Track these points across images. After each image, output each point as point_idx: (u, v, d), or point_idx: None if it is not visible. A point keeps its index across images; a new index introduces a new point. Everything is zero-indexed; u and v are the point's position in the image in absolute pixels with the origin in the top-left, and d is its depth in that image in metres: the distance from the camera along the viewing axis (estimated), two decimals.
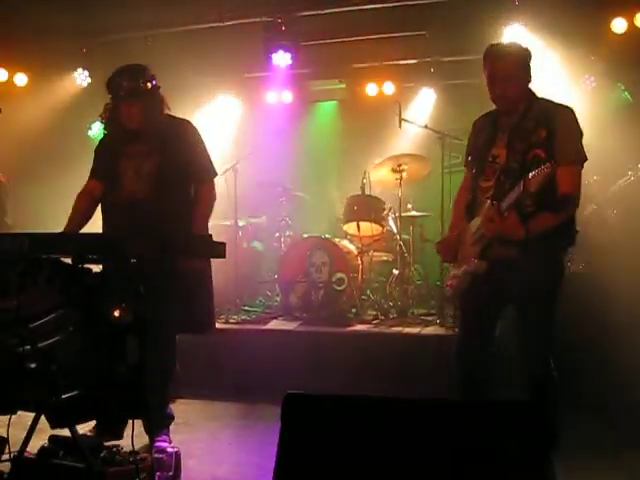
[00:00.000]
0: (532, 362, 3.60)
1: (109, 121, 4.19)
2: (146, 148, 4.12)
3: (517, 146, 3.53)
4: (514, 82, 3.57)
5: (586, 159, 3.51)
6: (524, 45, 3.71)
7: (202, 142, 4.31)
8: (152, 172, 4.09)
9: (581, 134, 3.52)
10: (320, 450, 1.82)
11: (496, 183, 3.58)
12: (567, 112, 3.55)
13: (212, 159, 4.33)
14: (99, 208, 4.28)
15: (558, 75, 6.84)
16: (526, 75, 3.63)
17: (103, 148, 4.30)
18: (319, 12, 7.02)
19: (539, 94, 3.68)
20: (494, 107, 3.75)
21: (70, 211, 4.16)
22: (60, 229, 3.98)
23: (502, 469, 1.68)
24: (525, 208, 3.41)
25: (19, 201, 7.24)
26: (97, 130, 8.41)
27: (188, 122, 4.30)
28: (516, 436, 1.71)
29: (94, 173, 4.28)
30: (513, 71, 3.57)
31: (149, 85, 4.11)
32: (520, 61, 3.60)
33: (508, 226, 3.41)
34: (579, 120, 3.55)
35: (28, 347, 2.94)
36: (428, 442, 1.82)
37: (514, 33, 6.78)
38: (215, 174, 4.35)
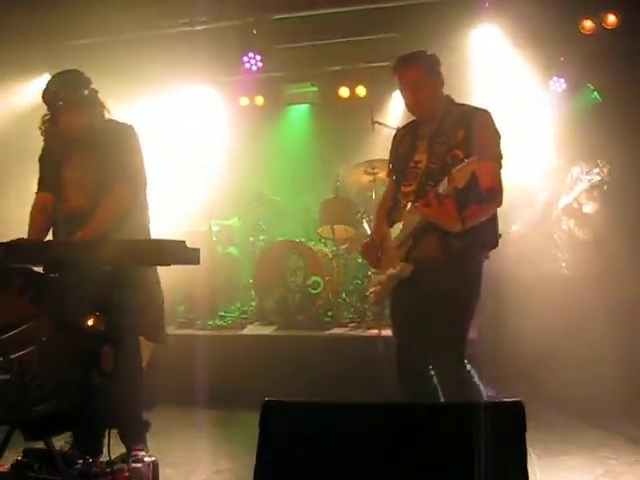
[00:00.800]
0: (441, 366, 3.56)
1: (48, 131, 4.06)
2: (85, 157, 4.02)
3: (437, 149, 3.56)
4: (423, 89, 3.62)
5: (502, 158, 3.52)
6: (430, 53, 3.74)
7: (138, 149, 4.13)
8: (91, 182, 4.02)
9: (499, 135, 3.55)
10: (299, 457, 1.81)
11: (418, 186, 3.58)
12: (484, 114, 3.59)
13: (143, 169, 4.13)
14: None
15: (527, 77, 6.88)
16: (435, 81, 3.65)
17: (46, 158, 4.18)
18: (290, 15, 7.00)
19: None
20: None
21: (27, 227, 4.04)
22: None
23: (482, 470, 1.68)
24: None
25: None
26: None
27: (130, 127, 4.16)
28: (495, 437, 1.71)
29: (42, 185, 4.15)
30: (420, 79, 3.60)
31: (86, 92, 3.99)
32: (425, 68, 3.62)
33: (445, 212, 3.35)
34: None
35: (0, 358, 2.90)
36: (410, 447, 1.81)
37: (484, 34, 6.83)
38: (136, 180, 4.08)
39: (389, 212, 3.79)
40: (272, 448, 1.77)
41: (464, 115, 3.59)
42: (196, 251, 3.49)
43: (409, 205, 3.57)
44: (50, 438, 2.98)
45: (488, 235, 3.56)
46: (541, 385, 5.13)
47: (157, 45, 7.20)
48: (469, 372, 3.48)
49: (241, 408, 5.10)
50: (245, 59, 7.36)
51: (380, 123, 6.93)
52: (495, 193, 3.45)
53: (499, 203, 3.48)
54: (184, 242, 3.38)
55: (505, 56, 6.84)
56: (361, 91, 8.16)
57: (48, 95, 3.97)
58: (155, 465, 3.69)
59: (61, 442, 3.89)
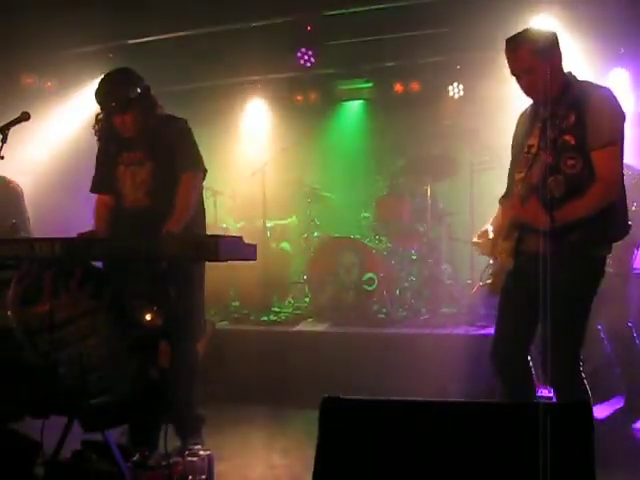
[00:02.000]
0: (553, 367, 3.36)
1: (103, 131, 4.12)
2: (140, 155, 4.07)
3: (549, 134, 3.32)
4: (537, 73, 3.33)
5: (620, 141, 3.27)
6: (542, 30, 3.53)
7: (192, 140, 4.17)
8: (146, 180, 4.05)
9: (618, 114, 3.28)
10: (359, 454, 1.80)
11: (527, 174, 3.41)
12: (600, 94, 3.32)
13: (200, 155, 4.17)
14: None
15: (586, 68, 6.72)
16: (549, 61, 3.36)
17: (101, 158, 4.24)
18: (344, 11, 6.96)
19: None
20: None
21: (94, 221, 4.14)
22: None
23: (547, 471, 1.65)
24: (551, 194, 3.21)
25: (48, 210, 7.23)
26: None
27: (184, 122, 4.18)
28: (557, 438, 1.67)
29: (99, 186, 4.22)
30: (531, 63, 3.33)
31: (138, 90, 4.01)
32: (536, 50, 3.34)
33: (529, 213, 3.26)
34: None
35: (61, 352, 2.95)
36: (467, 445, 1.78)
37: (540, 25, 6.68)
38: (199, 167, 4.14)
39: (503, 197, 3.66)
40: (332, 444, 1.75)
41: (579, 96, 3.31)
42: (252, 247, 3.50)
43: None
44: (107, 430, 3.02)
45: (605, 227, 3.29)
46: None
47: (214, 43, 7.25)
48: (581, 376, 3.32)
49: (294, 404, 5.10)
50: (299, 55, 7.35)
51: (437, 120, 6.90)
52: (605, 185, 3.21)
53: (610, 196, 3.23)
54: (241, 238, 3.39)
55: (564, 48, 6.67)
56: (415, 86, 8.09)
57: (100, 95, 4.02)
58: (210, 459, 3.71)
59: (117, 435, 3.96)
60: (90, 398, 2.90)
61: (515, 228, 3.43)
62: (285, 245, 7.78)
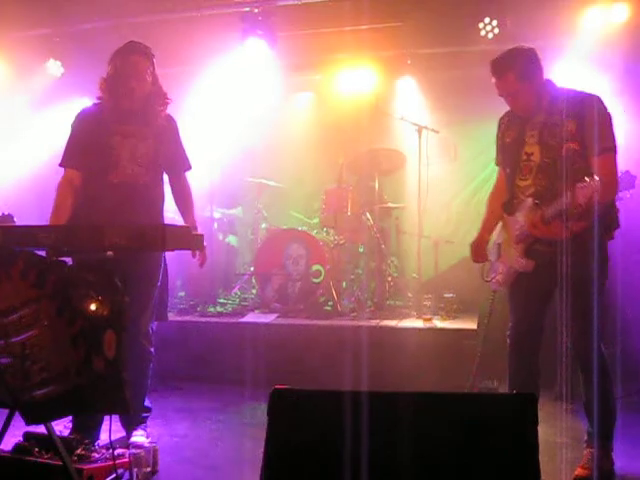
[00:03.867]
0: (578, 349, 3.62)
1: (105, 93, 3.99)
2: (138, 130, 3.99)
3: (549, 142, 3.56)
4: (522, 94, 3.61)
5: (617, 145, 3.50)
6: (524, 50, 3.67)
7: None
8: (148, 155, 4.00)
9: (610, 119, 3.51)
10: (307, 444, 1.80)
11: (534, 181, 3.62)
12: (594, 100, 3.53)
13: None
14: None
15: None
16: (534, 80, 3.62)
17: (88, 125, 4.01)
18: (296, 2, 6.94)
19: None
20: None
21: (53, 204, 3.91)
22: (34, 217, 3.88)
23: (493, 460, 1.67)
24: (571, 213, 3.41)
25: None
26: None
27: (169, 114, 4.23)
28: (503, 428, 1.70)
29: (70, 160, 3.99)
30: (517, 87, 3.59)
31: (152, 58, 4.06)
32: (522, 72, 3.58)
33: (552, 232, 3.49)
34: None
35: (2, 342, 2.88)
36: (414, 434, 1.80)
37: (487, 26, 6.76)
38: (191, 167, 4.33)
39: (506, 204, 3.81)
40: (281, 435, 1.76)
41: (573, 103, 3.53)
42: (199, 237, 3.48)
43: (528, 200, 3.61)
44: (50, 422, 2.97)
45: (608, 216, 3.57)
46: None
47: (162, 30, 7.14)
48: (603, 352, 3.54)
49: (241, 395, 5.08)
50: (250, 45, 7.31)
51: (383, 112, 6.93)
52: (612, 187, 3.47)
53: (613, 195, 3.54)
54: (188, 227, 3.37)
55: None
56: (365, 80, 8.13)
57: (122, 49, 3.99)
58: (155, 451, 3.69)
59: (60, 427, 3.89)
60: (32, 389, 2.84)
61: (532, 235, 3.62)
62: (231, 238, 7.74)
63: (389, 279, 6.90)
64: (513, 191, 3.76)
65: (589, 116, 3.45)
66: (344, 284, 6.87)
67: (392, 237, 7.25)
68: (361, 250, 6.99)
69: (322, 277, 6.54)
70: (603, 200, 3.38)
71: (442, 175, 7.32)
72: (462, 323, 5.94)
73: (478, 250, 4.02)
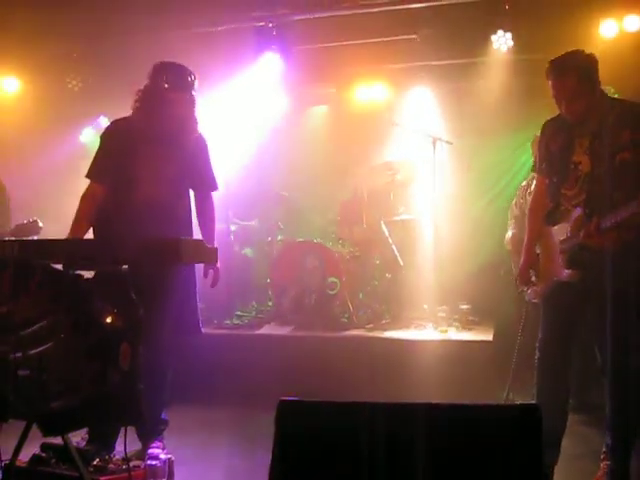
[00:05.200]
0: (613, 362, 3.55)
1: (139, 111, 4.03)
2: (168, 152, 4.05)
3: (601, 152, 3.48)
4: (580, 99, 3.52)
5: None
6: (586, 53, 3.63)
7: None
8: (171, 177, 4.05)
9: None
10: (314, 457, 1.81)
11: (585, 191, 3.54)
12: None
13: None
14: None
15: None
16: (592, 86, 3.55)
17: (117, 141, 4.07)
18: (310, 16, 7.00)
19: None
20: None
21: (75, 216, 3.99)
22: (53, 234, 3.94)
23: (498, 472, 1.68)
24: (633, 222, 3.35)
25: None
26: (88, 135, 8.39)
27: (201, 133, 4.28)
28: (512, 439, 1.70)
29: (97, 174, 4.05)
30: (576, 89, 3.51)
31: (192, 78, 4.09)
32: (582, 76, 3.51)
33: (607, 242, 3.40)
34: None
35: (19, 354, 2.92)
36: (425, 447, 1.81)
37: (501, 38, 6.78)
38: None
39: (549, 213, 3.76)
40: (287, 447, 1.77)
41: (628, 113, 3.49)
42: (214, 250, 3.52)
43: (575, 212, 3.56)
44: (67, 434, 3.00)
45: None
46: None
47: (177, 46, 7.22)
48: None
49: (257, 407, 5.08)
50: (265, 60, 7.37)
51: (398, 125, 6.97)
52: None
53: None
54: (202, 241, 3.40)
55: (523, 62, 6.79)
56: (380, 92, 8.17)
57: (160, 72, 4.01)
58: (171, 463, 3.71)
59: (77, 438, 3.92)
60: (49, 401, 2.88)
61: (577, 245, 3.54)
62: (247, 251, 7.77)
63: (405, 290, 6.89)
64: (557, 200, 3.69)
65: None
66: (360, 295, 6.88)
67: (407, 248, 7.24)
68: (377, 262, 7.00)
69: (338, 289, 6.55)
70: None
71: (457, 186, 7.32)
72: (478, 334, 5.93)
73: (529, 268, 3.91)
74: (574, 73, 3.52)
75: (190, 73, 4.08)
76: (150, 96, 4.00)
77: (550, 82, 3.61)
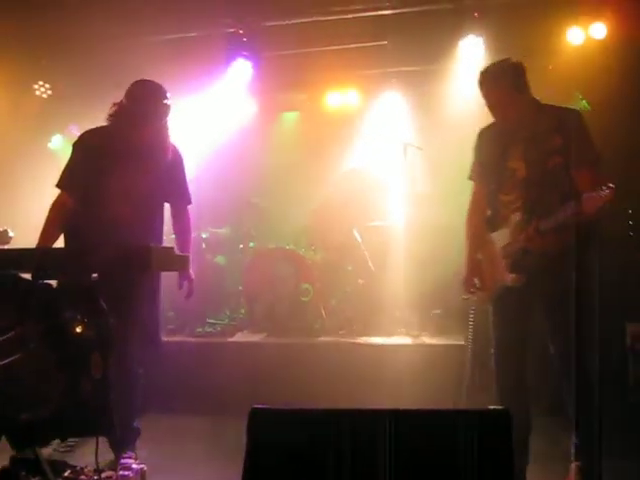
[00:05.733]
0: (565, 361, 3.60)
1: (114, 123, 4.02)
2: (139, 167, 4.03)
3: (534, 156, 3.58)
4: (512, 106, 3.63)
5: (601, 158, 3.56)
6: (513, 61, 3.72)
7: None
8: (144, 193, 4.03)
9: (590, 133, 3.57)
10: (286, 464, 1.81)
11: (522, 196, 3.64)
12: (577, 115, 3.62)
13: None
14: None
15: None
16: (524, 92, 3.66)
17: (89, 153, 4.05)
18: (281, 23, 7.01)
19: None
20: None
21: (44, 224, 3.97)
22: (21, 242, 3.89)
23: (471, 477, 1.69)
24: (572, 224, 3.45)
25: None
26: (57, 143, 8.31)
27: (176, 147, 4.26)
28: (477, 444, 1.71)
29: (69, 185, 4.03)
30: (508, 97, 3.62)
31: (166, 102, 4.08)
32: (512, 84, 3.62)
33: (548, 244, 3.50)
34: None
35: None
36: (395, 454, 1.81)
37: (471, 44, 6.85)
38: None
39: (489, 220, 3.84)
40: (259, 454, 1.77)
41: (557, 118, 3.59)
42: (185, 257, 3.50)
43: (514, 217, 3.63)
44: (38, 446, 2.96)
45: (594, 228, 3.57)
46: None
47: (147, 52, 7.19)
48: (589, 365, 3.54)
49: (230, 415, 5.05)
50: (235, 66, 7.36)
51: (368, 131, 6.99)
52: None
53: (600, 207, 3.48)
54: (173, 248, 3.39)
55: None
56: (351, 98, 8.20)
57: (136, 92, 4.01)
58: (143, 473, 3.69)
59: (49, 450, 3.88)
60: (19, 414, 2.84)
61: (520, 250, 3.62)
62: (219, 259, 7.73)
63: (377, 296, 6.90)
64: (496, 207, 3.78)
65: (572, 130, 3.52)
66: (333, 302, 6.88)
67: (380, 254, 7.25)
68: (349, 268, 7.00)
69: (310, 295, 6.54)
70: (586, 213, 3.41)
71: (428, 192, 7.36)
72: (450, 339, 5.96)
73: (474, 276, 3.95)
74: (505, 82, 3.63)
75: (166, 92, 4.07)
76: (126, 113, 3.99)
77: (483, 92, 3.73)
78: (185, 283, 4.08)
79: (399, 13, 6.83)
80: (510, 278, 3.70)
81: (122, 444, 3.98)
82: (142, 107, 3.96)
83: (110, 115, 4.03)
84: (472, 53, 6.85)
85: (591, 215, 3.29)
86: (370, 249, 7.02)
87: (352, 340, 6.11)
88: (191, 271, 4.15)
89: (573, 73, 6.77)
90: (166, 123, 4.09)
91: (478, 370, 4.84)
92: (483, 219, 3.89)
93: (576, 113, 3.64)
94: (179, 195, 4.30)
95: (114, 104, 4.04)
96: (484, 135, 3.93)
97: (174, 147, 4.22)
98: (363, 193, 7.03)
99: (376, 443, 1.78)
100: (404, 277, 6.64)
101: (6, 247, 4.86)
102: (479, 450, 1.63)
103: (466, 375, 4.85)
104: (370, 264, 6.85)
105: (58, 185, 4.04)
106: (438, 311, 6.47)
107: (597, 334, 3.54)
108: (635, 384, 5.24)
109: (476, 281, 3.94)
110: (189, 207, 4.39)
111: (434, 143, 7.24)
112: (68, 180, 4.04)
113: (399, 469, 1.75)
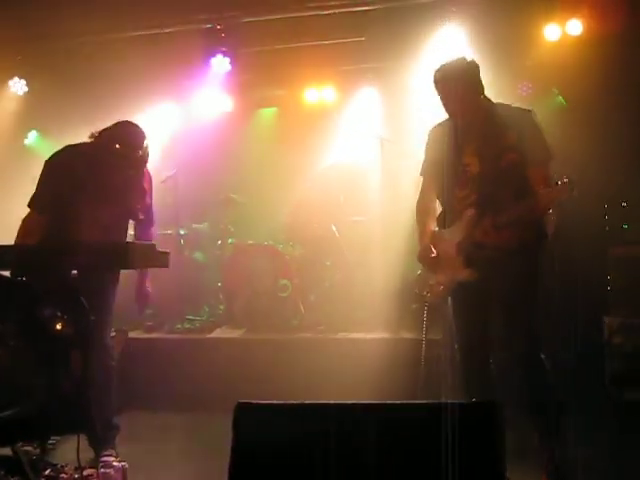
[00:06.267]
0: (520, 358, 3.64)
1: (89, 157, 3.98)
2: (113, 195, 4.03)
3: (488, 152, 3.62)
4: (467, 102, 3.67)
5: (553, 156, 3.61)
6: (469, 60, 3.77)
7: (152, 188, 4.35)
8: (107, 222, 4.01)
9: (543, 132, 3.63)
10: (272, 459, 1.82)
11: (475, 192, 3.66)
12: (531, 114, 3.67)
13: None
14: None
15: (493, 82, 6.95)
16: (478, 90, 3.72)
17: (60, 178, 4.02)
18: (259, 18, 6.99)
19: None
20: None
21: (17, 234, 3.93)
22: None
23: (452, 469, 1.70)
24: (527, 219, 3.53)
25: None
26: (33, 139, 8.24)
27: (147, 170, 4.24)
28: (465, 436, 1.73)
29: (41, 208, 3.99)
30: (464, 94, 3.66)
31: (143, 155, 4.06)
32: (467, 81, 3.67)
33: (503, 239, 3.54)
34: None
35: None
36: (379, 445, 1.83)
37: (450, 39, 6.87)
38: None
39: (442, 215, 3.86)
40: (245, 450, 1.77)
41: (511, 117, 3.64)
42: (165, 254, 3.49)
43: (468, 212, 3.65)
44: (17, 444, 2.95)
45: (538, 228, 3.68)
46: None
47: (125, 48, 7.14)
48: (543, 357, 3.61)
49: (210, 411, 5.07)
50: (213, 61, 7.33)
51: (345, 127, 7.00)
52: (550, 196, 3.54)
53: (552, 204, 3.59)
54: (154, 245, 3.38)
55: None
56: (328, 94, 8.21)
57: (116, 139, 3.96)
58: (125, 470, 3.68)
59: (28, 448, 3.85)
60: None
61: (473, 245, 3.64)
62: (198, 255, 7.71)
63: (356, 291, 6.92)
64: (450, 202, 3.80)
65: (528, 128, 3.58)
66: (312, 297, 6.89)
67: (358, 249, 7.27)
68: (328, 263, 7.01)
69: (289, 291, 6.55)
70: (542, 209, 3.50)
71: (405, 186, 7.39)
72: (428, 333, 5.97)
73: (428, 257, 3.90)
74: (460, 79, 3.67)
75: (144, 138, 4.05)
76: (101, 150, 3.97)
77: (439, 89, 3.77)
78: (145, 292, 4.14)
79: (377, 9, 6.83)
80: (464, 273, 3.71)
81: (102, 441, 3.97)
82: (113, 142, 3.93)
83: (88, 145, 4.00)
84: (449, 48, 6.88)
85: (545, 211, 3.37)
86: (349, 244, 7.04)
87: (331, 335, 6.12)
88: (148, 285, 4.25)
89: (550, 69, 6.83)
90: (143, 171, 4.08)
91: (433, 366, 4.85)
92: (431, 213, 3.92)
93: (528, 113, 3.69)
94: (147, 220, 4.36)
95: (92, 134, 4.01)
96: (437, 131, 3.96)
97: (147, 174, 4.22)
98: (341, 189, 7.03)
99: (363, 436, 1.79)
100: (383, 272, 6.66)
101: None
102: (465, 443, 1.65)
103: (421, 372, 4.88)
104: (349, 259, 6.87)
105: (29, 205, 4.02)
106: (416, 305, 6.49)
107: (575, 328, 3.61)
108: (611, 377, 5.30)
109: (433, 249, 3.87)
110: (167, 200, 4.42)
111: (410, 138, 7.27)
112: (39, 202, 4.02)
113: (386, 462, 1.77)
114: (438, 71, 3.76)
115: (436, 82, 3.76)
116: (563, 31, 6.69)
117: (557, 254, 5.54)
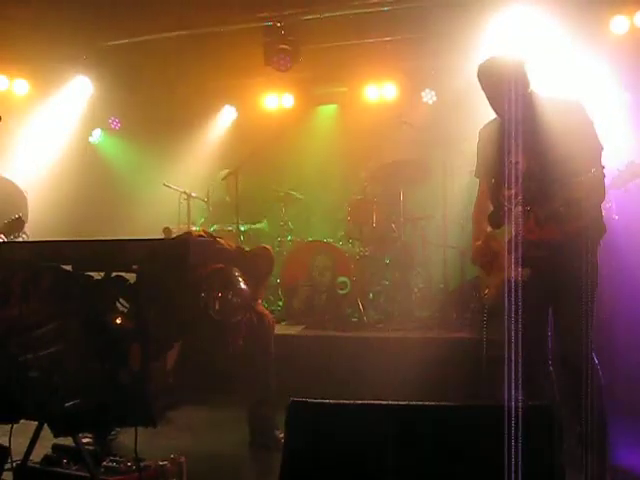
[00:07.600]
0: (574, 359, 3.55)
1: None
2: None
3: (534, 148, 3.54)
4: (511, 98, 3.55)
5: (603, 147, 3.50)
6: (515, 57, 3.69)
7: None
8: None
9: (592, 122, 3.52)
10: (325, 456, 1.81)
11: (523, 189, 3.58)
12: (577, 105, 3.56)
13: None
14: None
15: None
16: (523, 86, 3.62)
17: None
18: (318, 16, 6.99)
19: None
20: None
21: None
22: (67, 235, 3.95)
23: (511, 471, 1.67)
24: (567, 211, 3.42)
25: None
26: (98, 136, 8.42)
27: None
28: (528, 438, 1.69)
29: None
30: (508, 90, 3.55)
31: None
32: (513, 77, 3.57)
33: (547, 234, 3.48)
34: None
35: (30, 355, 2.93)
36: (434, 446, 1.80)
37: (511, 37, 6.73)
38: None
39: (492, 215, 3.79)
40: (298, 446, 1.77)
41: (558, 110, 3.55)
42: (227, 252, 3.52)
43: (517, 209, 3.58)
44: (78, 434, 3.01)
45: (595, 225, 3.55)
46: None
47: (187, 46, 7.22)
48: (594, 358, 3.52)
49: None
50: (274, 59, 7.36)
51: (408, 123, 6.94)
52: (600, 187, 3.43)
53: (603, 194, 3.46)
54: (212, 241, 3.40)
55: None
56: (389, 92, 8.17)
57: None
58: (182, 463, 3.71)
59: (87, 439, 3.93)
60: (60, 402, 2.88)
61: (522, 243, 3.56)
62: None
63: (415, 290, 6.88)
64: (499, 201, 3.73)
65: (574, 120, 3.48)
66: (370, 295, 6.87)
67: (418, 248, 7.22)
68: (387, 261, 6.98)
69: (348, 289, 6.55)
70: (593, 200, 3.38)
71: (466, 185, 7.29)
72: (488, 333, 5.89)
73: (482, 257, 3.88)
74: (504, 74, 3.58)
75: None
76: None
77: (481, 84, 3.69)
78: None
79: (439, 5, 6.75)
80: (515, 273, 3.64)
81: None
82: None
83: None
84: (510, 47, 6.74)
85: (582, 199, 3.25)
86: (408, 242, 6.99)
87: (390, 334, 6.08)
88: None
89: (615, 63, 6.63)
90: None
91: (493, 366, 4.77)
92: (487, 213, 3.84)
93: (577, 102, 3.58)
94: None
95: None
96: (486, 131, 3.91)
97: None
98: (402, 186, 6.97)
99: (420, 437, 1.77)
100: (442, 271, 6.59)
101: (46, 239, 4.96)
102: (522, 445, 1.61)
103: (484, 372, 4.80)
104: (408, 257, 6.82)
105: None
106: (475, 305, 6.40)
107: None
108: None
109: (485, 250, 3.82)
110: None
111: (473, 136, 7.16)
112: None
113: (443, 463, 1.74)
114: (483, 66, 3.69)
115: (479, 79, 3.69)
116: (631, 23, 6.49)
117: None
